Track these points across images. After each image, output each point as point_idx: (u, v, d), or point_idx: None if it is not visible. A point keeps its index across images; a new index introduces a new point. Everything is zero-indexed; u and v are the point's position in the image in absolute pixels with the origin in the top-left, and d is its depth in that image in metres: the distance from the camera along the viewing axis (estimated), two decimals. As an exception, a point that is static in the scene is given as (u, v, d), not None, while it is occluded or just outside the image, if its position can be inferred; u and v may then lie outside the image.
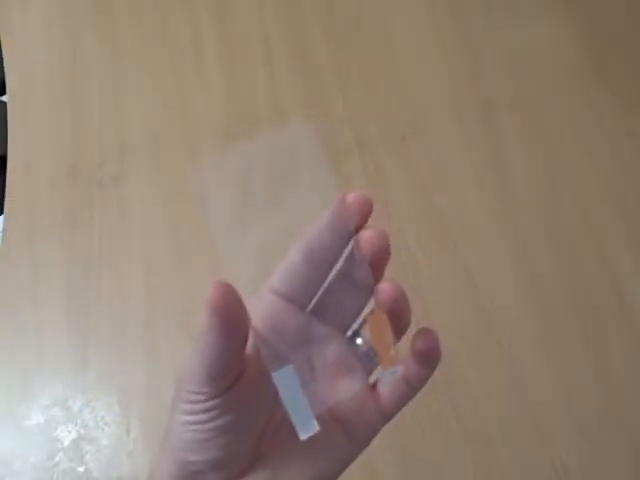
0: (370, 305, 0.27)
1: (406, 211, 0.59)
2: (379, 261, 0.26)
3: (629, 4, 0.69)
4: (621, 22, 0.68)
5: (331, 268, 0.27)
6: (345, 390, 0.26)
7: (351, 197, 0.26)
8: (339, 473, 0.28)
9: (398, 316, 0.26)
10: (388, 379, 0.26)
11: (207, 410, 0.24)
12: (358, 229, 0.26)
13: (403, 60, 0.67)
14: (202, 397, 0.24)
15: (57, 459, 0.52)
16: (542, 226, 0.58)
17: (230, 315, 0.23)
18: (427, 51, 0.67)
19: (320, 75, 0.67)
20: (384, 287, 0.26)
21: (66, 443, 0.53)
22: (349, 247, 0.26)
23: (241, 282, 0.24)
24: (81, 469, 0.52)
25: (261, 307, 0.27)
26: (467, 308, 0.55)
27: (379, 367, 0.26)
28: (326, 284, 0.28)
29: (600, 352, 0.53)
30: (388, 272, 0.27)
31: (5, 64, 0.71)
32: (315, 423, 0.24)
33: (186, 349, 0.46)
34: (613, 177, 0.60)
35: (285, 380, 0.24)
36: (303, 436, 0.24)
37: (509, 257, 0.57)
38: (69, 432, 0.53)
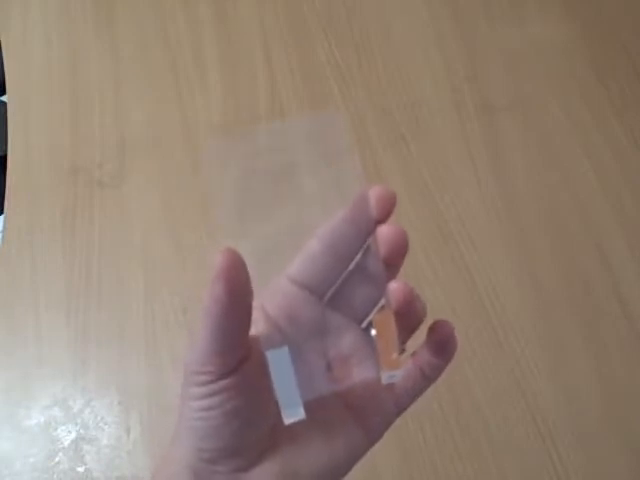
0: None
1: (406, 211, 0.59)
2: (395, 258, 0.26)
3: (629, 4, 0.69)
4: (621, 22, 0.68)
5: (351, 260, 0.27)
6: (355, 377, 0.26)
7: (374, 191, 0.26)
8: (351, 466, 0.28)
9: (408, 315, 0.26)
10: (386, 382, 0.26)
11: (214, 393, 0.24)
12: (379, 223, 0.26)
13: (403, 60, 0.67)
14: (208, 378, 0.24)
15: (57, 459, 0.52)
16: (542, 226, 0.58)
17: (236, 284, 0.23)
18: (427, 51, 0.67)
19: (320, 75, 0.67)
20: (394, 287, 0.26)
21: (66, 443, 0.53)
22: (369, 240, 0.26)
23: (255, 263, 0.24)
24: (81, 469, 0.52)
25: (278, 295, 0.27)
26: (467, 308, 0.55)
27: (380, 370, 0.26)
28: (344, 275, 0.28)
29: (600, 352, 0.53)
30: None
31: (5, 64, 0.71)
32: (301, 410, 0.24)
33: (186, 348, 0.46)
34: (612, 176, 0.60)
35: (278, 361, 0.24)
36: (287, 420, 0.24)
37: (509, 257, 0.57)
38: (69, 432, 0.53)
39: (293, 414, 0.24)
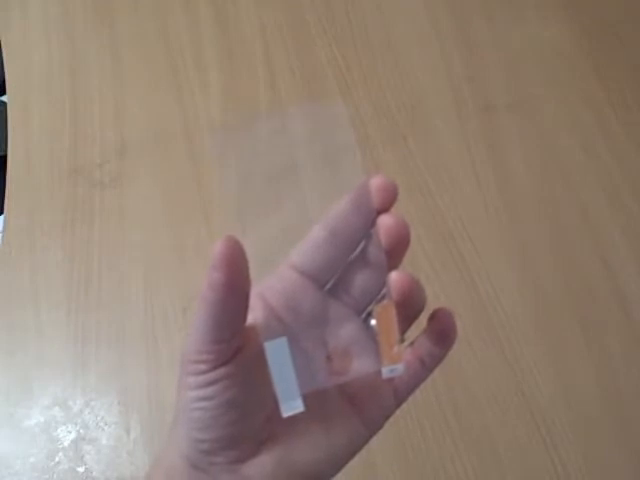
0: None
1: (406, 211, 0.59)
2: (397, 249, 0.26)
3: (629, 3, 0.69)
4: (621, 21, 0.68)
5: (354, 248, 0.27)
6: (356, 370, 0.26)
7: (375, 181, 0.26)
8: (350, 457, 0.27)
9: (409, 305, 0.26)
10: (387, 376, 0.26)
11: (211, 382, 0.24)
12: (380, 213, 0.26)
13: (403, 60, 0.67)
14: (204, 367, 0.24)
15: (57, 459, 0.52)
16: (542, 226, 0.58)
17: (234, 272, 0.23)
18: (427, 51, 0.67)
19: (320, 74, 0.67)
20: (395, 277, 0.26)
21: (66, 443, 0.53)
22: (371, 230, 0.26)
23: (256, 258, 0.24)
24: (81, 469, 0.52)
25: (279, 283, 0.27)
26: (467, 308, 0.55)
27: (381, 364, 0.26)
28: (346, 264, 0.27)
29: (600, 352, 0.53)
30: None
31: (5, 64, 0.71)
32: (300, 402, 0.24)
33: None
34: (613, 176, 0.60)
35: (277, 352, 0.23)
36: (285, 413, 0.24)
37: (509, 257, 0.57)
38: (69, 432, 0.53)
39: (292, 407, 0.24)
